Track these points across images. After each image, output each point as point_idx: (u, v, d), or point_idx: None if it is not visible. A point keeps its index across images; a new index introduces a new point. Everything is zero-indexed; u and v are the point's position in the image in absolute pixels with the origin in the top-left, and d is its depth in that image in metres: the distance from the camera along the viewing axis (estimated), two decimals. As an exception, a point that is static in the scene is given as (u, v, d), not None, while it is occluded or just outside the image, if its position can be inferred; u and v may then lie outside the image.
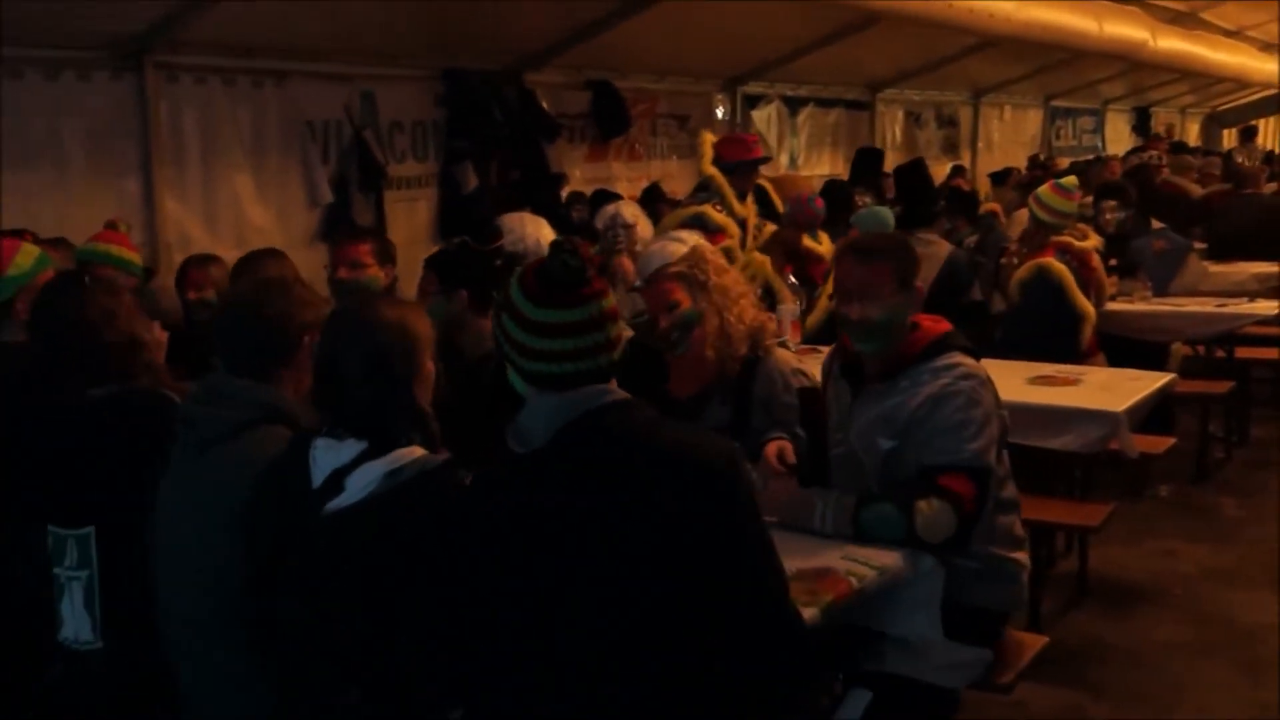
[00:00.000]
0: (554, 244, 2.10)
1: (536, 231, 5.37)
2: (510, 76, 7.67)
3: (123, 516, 2.73)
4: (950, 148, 13.63)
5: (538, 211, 5.93)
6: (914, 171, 8.56)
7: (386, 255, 4.24)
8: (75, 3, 5.16)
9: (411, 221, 7.26)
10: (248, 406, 2.57)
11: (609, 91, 8.54)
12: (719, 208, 5.79)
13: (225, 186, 6.26)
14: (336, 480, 2.27)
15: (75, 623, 2.79)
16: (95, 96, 5.65)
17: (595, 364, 2.11)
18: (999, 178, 10.81)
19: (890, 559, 2.86)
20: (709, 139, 6.06)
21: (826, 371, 3.48)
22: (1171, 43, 12.92)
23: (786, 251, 6.01)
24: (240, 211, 6.33)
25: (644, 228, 5.88)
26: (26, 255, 3.44)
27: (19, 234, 4.67)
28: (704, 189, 5.96)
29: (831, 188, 7.97)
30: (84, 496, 2.79)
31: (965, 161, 13.31)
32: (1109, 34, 11.19)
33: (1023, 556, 3.32)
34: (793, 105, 10.97)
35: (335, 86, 6.72)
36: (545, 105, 7.91)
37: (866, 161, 10.27)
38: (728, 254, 5.59)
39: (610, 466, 2.07)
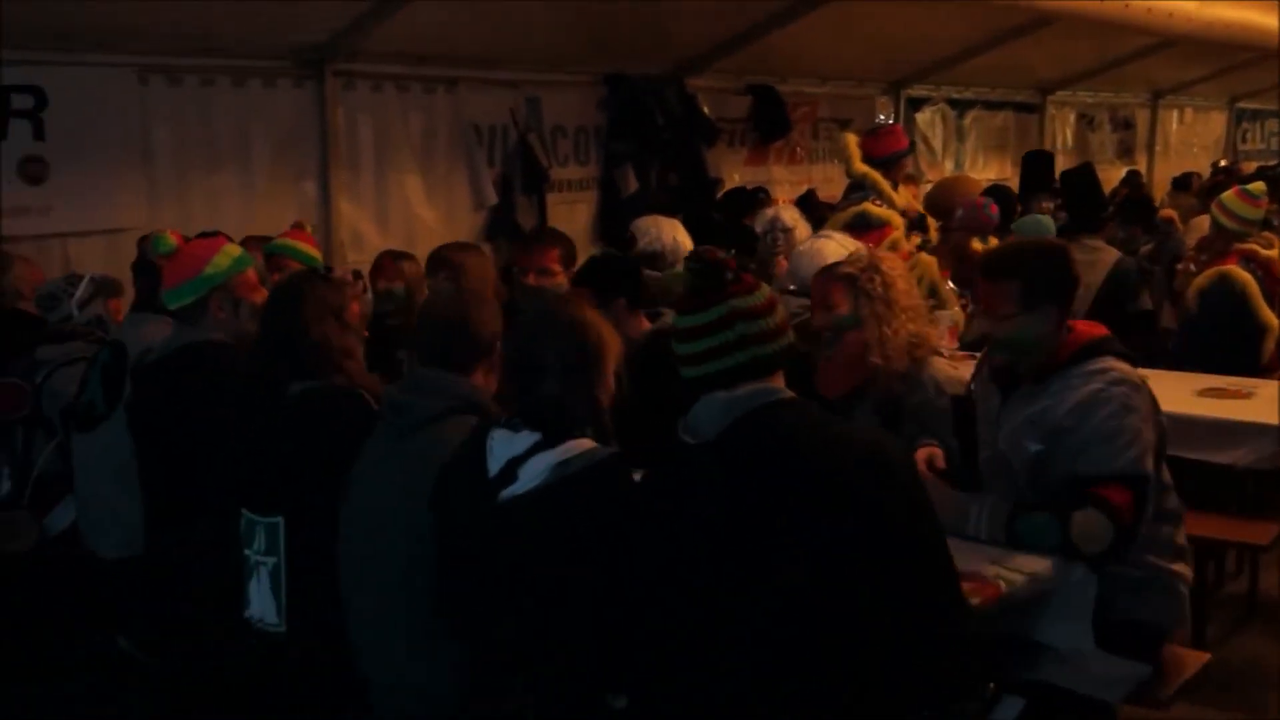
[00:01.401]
0: (687, 256, 2.21)
1: (672, 233, 5.45)
2: (672, 81, 7.77)
3: (311, 508, 2.88)
4: (1125, 151, 13.19)
5: (693, 215, 6.01)
6: (1081, 176, 8.33)
7: (570, 259, 4.37)
8: (263, 16, 5.46)
9: (572, 223, 7.38)
10: (448, 396, 2.75)
11: (770, 95, 8.56)
12: (878, 203, 5.79)
13: (396, 188, 6.53)
14: (511, 469, 2.39)
15: (261, 604, 2.96)
16: (279, 103, 5.96)
17: (736, 361, 2.20)
18: (1181, 183, 10.41)
19: (1041, 566, 2.82)
20: (852, 139, 6.05)
21: (977, 374, 3.45)
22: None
23: (956, 255, 5.95)
24: (410, 212, 6.59)
25: (802, 231, 5.88)
26: (225, 255, 3.51)
27: (212, 235, 4.98)
28: (858, 188, 5.95)
29: (995, 192, 7.82)
30: (276, 486, 2.96)
31: (1141, 166, 12.85)
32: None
33: (1184, 569, 3.22)
34: (959, 108, 10.81)
35: (502, 92, 6.93)
36: (705, 109, 7.98)
37: (1036, 166, 10.01)
38: (895, 247, 5.59)
39: (778, 461, 2.12)
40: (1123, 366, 3.05)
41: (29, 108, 5.10)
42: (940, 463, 3.24)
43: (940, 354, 3.95)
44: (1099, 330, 3.17)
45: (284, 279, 3.44)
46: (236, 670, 3.10)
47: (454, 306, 2.94)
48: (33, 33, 4.95)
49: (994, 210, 6.24)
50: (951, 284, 5.67)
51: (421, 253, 4.89)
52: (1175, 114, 14.07)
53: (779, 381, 2.26)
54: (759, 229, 5.94)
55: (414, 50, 6.29)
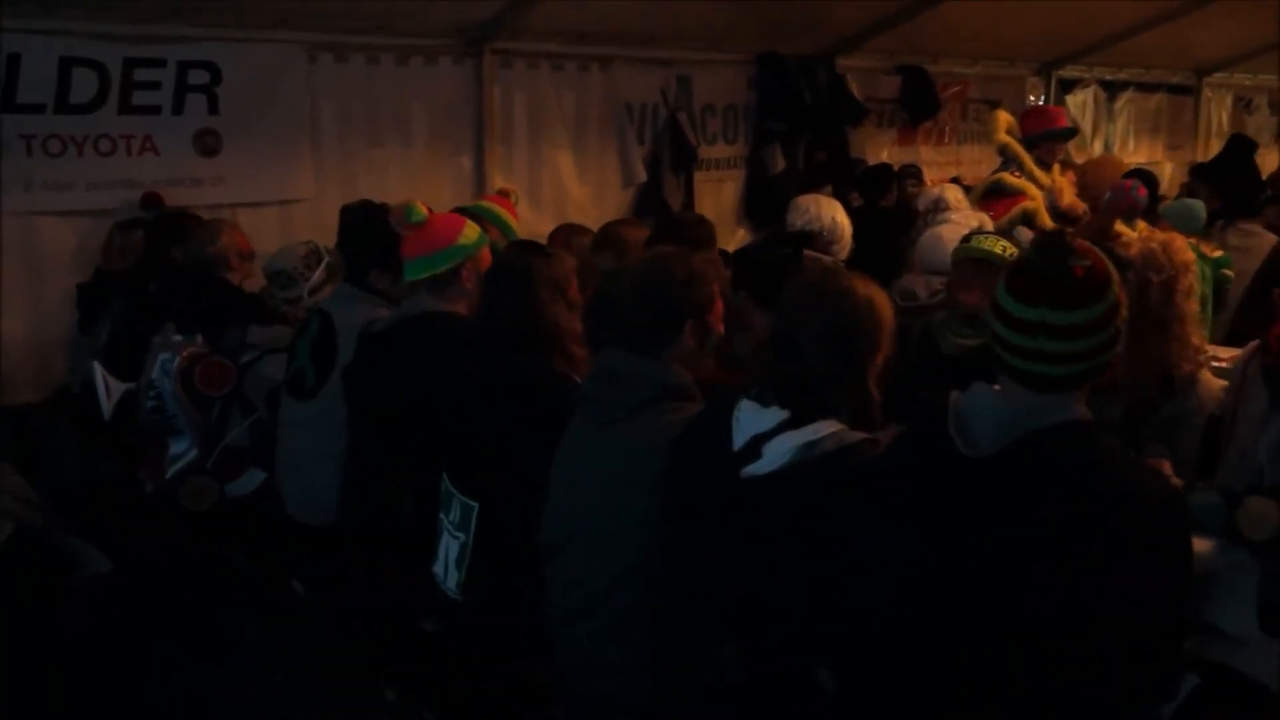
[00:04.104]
0: (1042, 235, 2.07)
1: (832, 213, 5.43)
2: (823, 61, 7.72)
3: (507, 498, 2.92)
4: (1284, 136, 12.71)
5: (839, 195, 6.01)
6: (1238, 159, 8.05)
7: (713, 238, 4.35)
8: (428, -2, 5.59)
9: (719, 201, 7.45)
10: (646, 387, 2.67)
11: (919, 75, 8.46)
12: (1016, 173, 5.75)
13: (549, 165, 6.63)
14: (755, 446, 2.31)
15: (445, 568, 3.06)
16: (439, 81, 6.09)
17: (1049, 371, 2.04)
18: (1341, 167, 9.96)
19: (1204, 547, 2.72)
20: (1002, 115, 6.02)
21: (1242, 372, 3.20)
22: None
23: (1099, 239, 5.84)
24: (561, 188, 6.69)
25: (966, 211, 5.84)
26: (472, 229, 3.54)
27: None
28: (1005, 161, 5.94)
29: (1139, 175, 7.60)
30: (478, 468, 3.00)
31: (1300, 151, 12.38)
32: None
33: None
34: (1111, 90, 10.51)
35: (654, 71, 6.98)
36: (855, 90, 7.92)
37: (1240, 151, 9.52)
38: (1027, 217, 5.56)
39: (1060, 486, 2.00)
40: None
41: (204, 83, 5.31)
42: (1168, 471, 3.12)
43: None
44: None
45: (510, 253, 3.38)
46: (410, 622, 3.24)
47: (643, 286, 2.75)
48: (210, 11, 5.15)
49: (1142, 193, 6.08)
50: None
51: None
52: (1338, 97, 13.48)
53: (1083, 389, 2.10)
54: (921, 207, 5.91)
55: (571, 30, 6.37)
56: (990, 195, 5.73)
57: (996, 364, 2.11)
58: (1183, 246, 3.31)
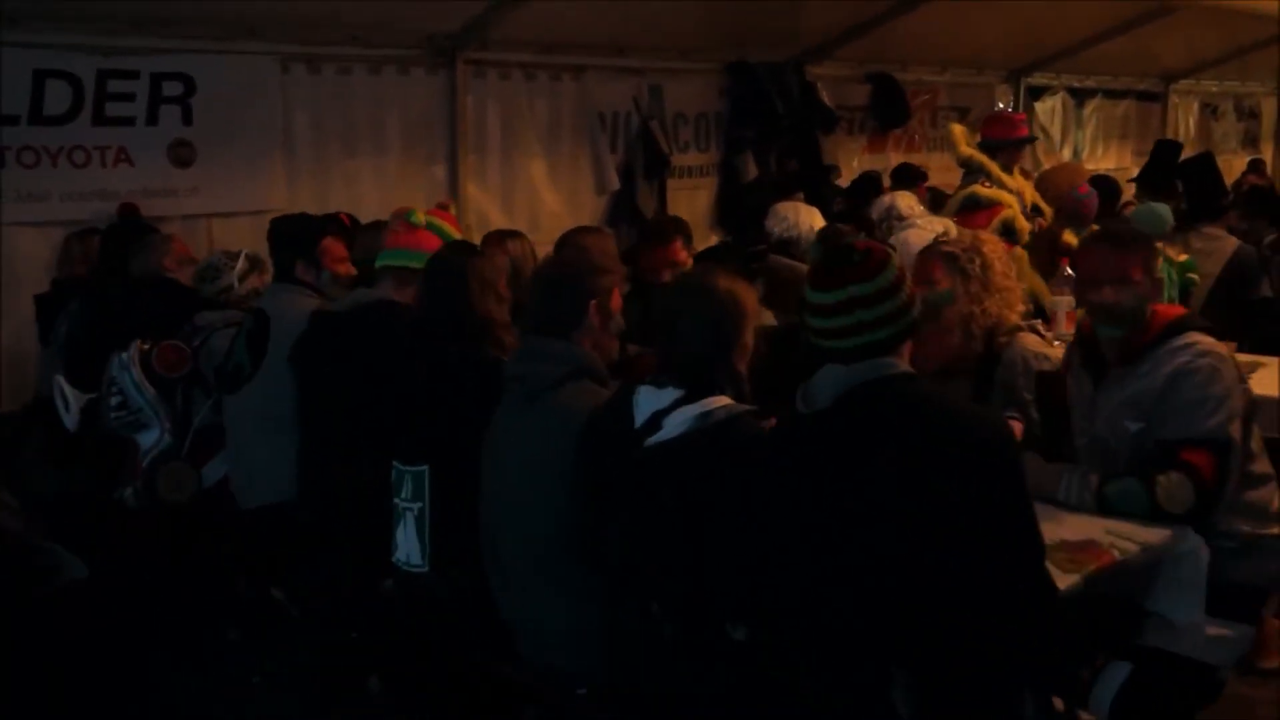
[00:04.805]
0: (820, 232, 2.32)
1: (809, 220, 5.54)
2: (793, 68, 7.80)
3: (454, 459, 3.12)
4: (1250, 141, 12.87)
5: (811, 202, 6.09)
6: (1200, 165, 8.17)
7: (690, 239, 4.58)
8: (400, 6, 5.64)
9: (692, 209, 7.49)
10: (560, 363, 2.92)
11: (889, 83, 8.56)
12: (986, 184, 5.82)
13: (522, 173, 6.69)
14: (655, 421, 2.59)
15: (407, 547, 3.21)
16: (412, 90, 6.15)
17: (851, 344, 2.33)
18: (1306, 173, 10.13)
19: (1155, 536, 2.89)
20: (959, 129, 6.07)
21: (1067, 363, 3.54)
22: None
23: (1049, 245, 5.94)
24: (535, 196, 6.76)
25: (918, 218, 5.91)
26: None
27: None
28: (969, 174, 5.97)
29: (1099, 182, 7.70)
30: (423, 438, 3.21)
31: (1266, 156, 12.54)
32: None
33: None
34: (1079, 97, 10.64)
35: (626, 80, 7.05)
36: (825, 97, 8.00)
37: (1163, 157, 9.74)
38: (1008, 226, 5.63)
39: (889, 428, 2.26)
40: (1206, 339, 3.16)
41: (178, 94, 5.35)
42: (1019, 435, 3.29)
43: (1038, 333, 3.96)
44: (1177, 310, 3.33)
45: (443, 254, 3.68)
46: (382, 607, 3.33)
47: (550, 276, 3.10)
48: (182, 23, 5.19)
49: (1091, 202, 6.20)
50: (1070, 270, 5.65)
51: (547, 237, 5.05)
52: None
53: (901, 354, 2.38)
54: (874, 216, 6.00)
55: (543, 39, 6.43)
56: (966, 209, 5.78)
57: (823, 359, 2.37)
58: (994, 239, 3.85)
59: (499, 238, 4.93)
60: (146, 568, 4.26)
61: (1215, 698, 3.18)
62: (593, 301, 2.97)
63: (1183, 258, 5.47)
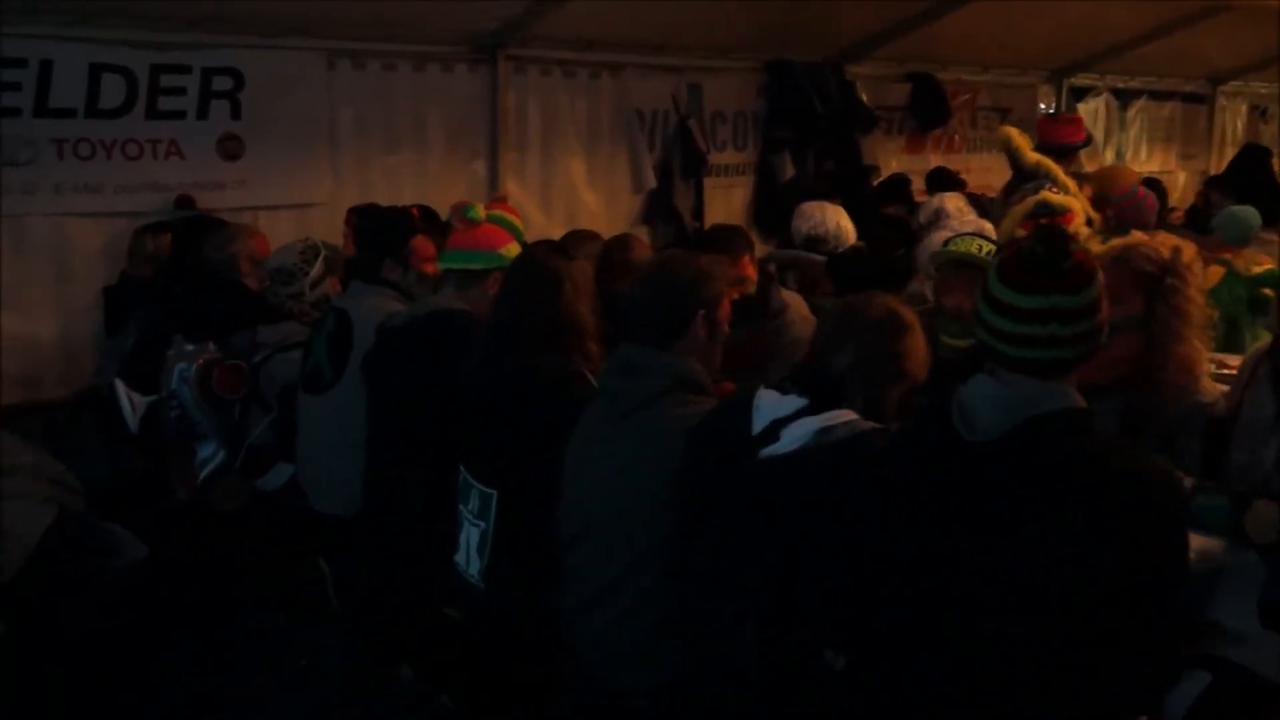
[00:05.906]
0: (1039, 234, 2.16)
1: (836, 218, 5.56)
2: (832, 68, 7.82)
3: (525, 486, 3.03)
4: (1300, 144, 12.71)
5: (849, 202, 6.08)
6: (1252, 167, 8.07)
7: (753, 249, 4.44)
8: (443, 4, 5.75)
9: (728, 208, 7.56)
10: (660, 375, 2.81)
11: (929, 83, 8.54)
12: (1055, 190, 5.70)
13: (561, 170, 6.76)
14: (774, 430, 2.46)
15: (467, 556, 3.18)
16: (454, 87, 6.24)
17: (1037, 356, 2.14)
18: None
19: (1211, 544, 2.77)
20: (1017, 135, 5.85)
21: (1249, 379, 3.16)
22: None
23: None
24: (573, 194, 6.82)
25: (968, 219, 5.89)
26: (514, 247, 3.77)
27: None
28: (1027, 178, 5.76)
29: (1147, 185, 7.64)
30: (495, 459, 3.12)
31: (1316, 159, 12.37)
32: None
33: None
34: (1123, 98, 10.56)
35: (665, 78, 7.10)
36: (864, 97, 8.01)
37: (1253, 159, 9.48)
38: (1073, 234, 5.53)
39: (1066, 476, 2.08)
40: None
41: (228, 89, 5.47)
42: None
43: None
44: None
45: (537, 254, 3.53)
46: (434, 609, 3.34)
47: (654, 282, 2.93)
48: (233, 19, 5.33)
49: (1153, 203, 6.09)
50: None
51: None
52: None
53: (1074, 378, 2.20)
54: (923, 218, 5.96)
55: (583, 36, 6.50)
56: (1039, 218, 5.65)
57: (989, 357, 2.20)
58: (1197, 260, 3.28)
59: (579, 238, 4.92)
60: (198, 554, 4.36)
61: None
62: (700, 312, 2.84)
63: (1264, 266, 5.29)
